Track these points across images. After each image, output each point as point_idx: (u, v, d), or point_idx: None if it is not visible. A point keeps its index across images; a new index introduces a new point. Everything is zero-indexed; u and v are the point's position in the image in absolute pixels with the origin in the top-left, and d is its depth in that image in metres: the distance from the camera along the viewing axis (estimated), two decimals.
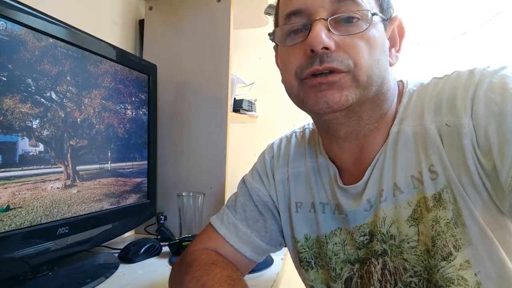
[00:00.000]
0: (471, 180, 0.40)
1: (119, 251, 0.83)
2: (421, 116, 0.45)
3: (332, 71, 0.42)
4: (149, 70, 0.89)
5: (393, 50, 0.49)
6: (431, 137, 0.43)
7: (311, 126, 0.63)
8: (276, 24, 0.51)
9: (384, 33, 0.46)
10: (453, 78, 0.45)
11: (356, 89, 0.43)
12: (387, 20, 0.47)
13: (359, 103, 0.44)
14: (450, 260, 0.41)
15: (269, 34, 0.50)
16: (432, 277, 0.43)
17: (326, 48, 0.42)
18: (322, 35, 0.42)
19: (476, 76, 0.42)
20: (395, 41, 0.49)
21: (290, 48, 0.47)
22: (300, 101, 0.47)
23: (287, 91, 0.49)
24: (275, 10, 0.52)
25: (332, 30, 0.43)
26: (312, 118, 0.53)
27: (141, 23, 1.08)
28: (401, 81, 0.51)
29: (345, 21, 0.43)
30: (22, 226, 0.54)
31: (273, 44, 0.52)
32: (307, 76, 0.44)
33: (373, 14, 0.43)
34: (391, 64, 0.48)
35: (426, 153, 0.43)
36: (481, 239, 0.40)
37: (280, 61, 0.50)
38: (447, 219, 0.41)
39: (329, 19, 0.42)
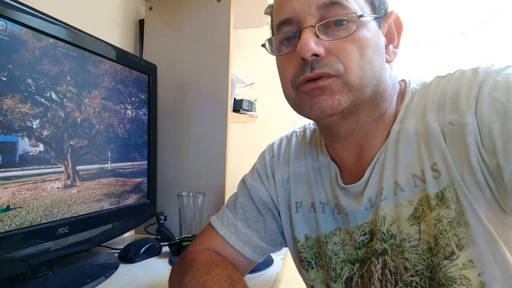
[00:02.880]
0: (475, 178, 0.40)
1: (119, 251, 0.83)
2: (424, 115, 0.45)
3: (322, 76, 0.43)
4: (149, 70, 0.89)
5: (390, 46, 0.48)
6: (434, 136, 0.43)
7: (312, 126, 0.63)
8: (273, 33, 0.52)
9: (377, 32, 0.45)
10: (456, 77, 0.45)
11: (349, 93, 0.43)
12: (381, 17, 0.46)
13: (355, 105, 0.44)
14: (453, 259, 0.41)
15: (263, 45, 0.51)
16: (435, 275, 0.43)
17: (317, 55, 0.42)
18: (310, 43, 0.42)
19: (480, 74, 0.42)
20: (392, 37, 0.49)
21: (284, 57, 0.48)
22: (298, 108, 0.48)
23: (286, 99, 0.50)
24: (270, 20, 0.53)
25: (321, 36, 0.43)
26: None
27: (141, 23, 1.08)
28: (403, 80, 0.51)
29: (335, 24, 0.43)
30: (22, 226, 0.54)
31: None
32: (301, 83, 0.45)
33: (360, 16, 0.43)
34: (389, 61, 0.48)
35: (429, 151, 0.43)
36: (485, 238, 0.40)
37: (278, 70, 0.51)
38: (450, 218, 0.41)
39: (318, 25, 0.43)
